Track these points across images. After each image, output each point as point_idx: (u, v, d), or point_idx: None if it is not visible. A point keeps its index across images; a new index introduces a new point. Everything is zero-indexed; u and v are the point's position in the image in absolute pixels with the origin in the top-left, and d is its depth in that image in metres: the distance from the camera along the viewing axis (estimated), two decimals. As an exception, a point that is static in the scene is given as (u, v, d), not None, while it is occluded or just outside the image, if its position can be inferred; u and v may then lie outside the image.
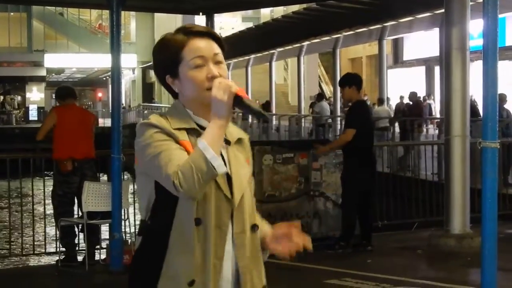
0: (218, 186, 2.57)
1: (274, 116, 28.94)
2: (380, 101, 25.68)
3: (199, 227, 2.52)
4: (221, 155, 2.55)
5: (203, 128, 2.56)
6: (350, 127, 8.81)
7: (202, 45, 2.62)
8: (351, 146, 8.73)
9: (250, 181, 2.74)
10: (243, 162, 2.72)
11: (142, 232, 2.65)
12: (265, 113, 2.56)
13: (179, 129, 2.56)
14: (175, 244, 2.53)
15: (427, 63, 36.55)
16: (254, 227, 2.68)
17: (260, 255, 2.72)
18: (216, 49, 2.64)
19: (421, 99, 28.38)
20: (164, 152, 2.47)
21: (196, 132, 2.58)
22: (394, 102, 29.60)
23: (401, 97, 28.53)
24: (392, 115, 24.59)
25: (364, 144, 8.85)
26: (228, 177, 2.62)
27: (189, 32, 2.65)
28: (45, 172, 9.49)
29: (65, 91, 9.18)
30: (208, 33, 2.66)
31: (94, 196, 8.36)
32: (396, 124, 22.01)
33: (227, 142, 2.65)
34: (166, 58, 2.65)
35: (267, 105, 33.03)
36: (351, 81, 9.11)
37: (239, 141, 2.74)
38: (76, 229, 8.82)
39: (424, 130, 23.38)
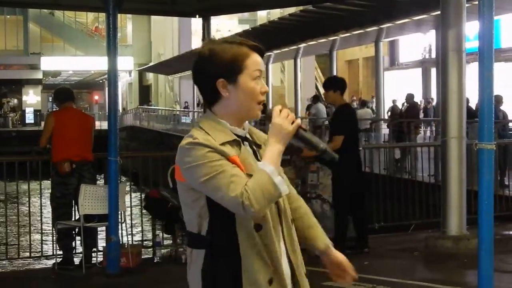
0: None
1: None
2: (362, 104, 26.15)
3: (260, 232, 2.67)
4: (258, 160, 2.73)
5: (240, 137, 2.73)
6: (338, 133, 8.69)
7: (260, 60, 2.78)
8: (338, 150, 8.58)
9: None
10: None
11: (200, 245, 2.72)
12: (331, 152, 2.75)
13: (223, 143, 2.66)
14: (246, 252, 2.65)
15: (424, 65, 36.60)
16: (292, 221, 2.86)
17: (298, 243, 2.88)
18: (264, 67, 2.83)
19: (426, 102, 28.56)
20: (222, 174, 2.58)
21: (236, 142, 2.70)
22: (391, 104, 29.62)
23: (394, 101, 28.64)
24: (375, 117, 25.15)
25: (352, 147, 8.77)
26: None
27: (249, 45, 2.77)
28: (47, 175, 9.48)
29: (63, 95, 9.15)
30: (263, 52, 2.81)
31: (91, 199, 8.36)
32: (384, 126, 22.40)
33: (259, 146, 2.81)
34: (229, 62, 2.71)
35: (263, 108, 32.97)
36: (337, 85, 9.04)
37: (266, 143, 2.84)
38: (73, 232, 8.82)
39: (422, 132, 23.45)
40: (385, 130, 23.28)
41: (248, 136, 2.81)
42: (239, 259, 2.64)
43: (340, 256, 2.99)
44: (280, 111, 2.68)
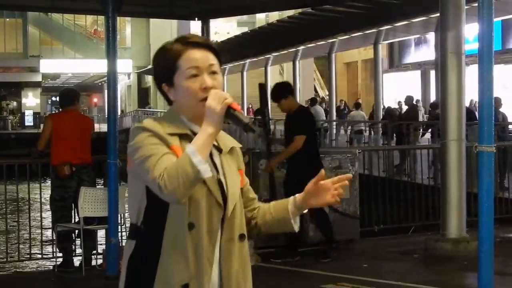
0: (210, 191, 2.62)
1: (270, 121, 28.87)
2: (356, 106, 26.31)
3: (192, 231, 2.57)
4: (214, 162, 2.66)
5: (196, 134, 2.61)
6: (299, 133, 8.52)
7: (198, 55, 2.67)
8: (298, 152, 8.52)
9: (241, 191, 2.79)
10: (235, 171, 2.78)
11: (135, 236, 2.68)
12: (254, 127, 2.60)
13: (172, 134, 2.61)
14: (168, 248, 2.57)
15: (423, 67, 36.62)
16: (242, 237, 2.72)
17: (248, 264, 2.76)
18: (212, 60, 2.69)
19: (433, 106, 28.58)
20: (153, 156, 2.53)
21: (188, 137, 2.63)
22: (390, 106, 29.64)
23: (399, 102, 28.70)
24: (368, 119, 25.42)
25: (311, 149, 8.65)
26: (221, 185, 2.67)
27: (187, 42, 2.70)
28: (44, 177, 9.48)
29: (63, 99, 9.14)
30: (205, 44, 2.71)
31: (91, 201, 8.36)
32: (366, 129, 22.60)
33: (220, 150, 2.72)
34: (163, 66, 2.70)
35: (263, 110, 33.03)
36: (285, 91, 8.84)
37: (232, 150, 2.80)
38: (72, 235, 8.82)
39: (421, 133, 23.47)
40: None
41: None
42: (160, 253, 2.57)
43: (305, 190, 2.80)
44: (215, 92, 2.59)
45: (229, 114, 2.57)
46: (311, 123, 8.97)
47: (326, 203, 2.80)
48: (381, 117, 24.51)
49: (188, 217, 2.56)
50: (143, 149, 2.55)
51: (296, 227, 2.85)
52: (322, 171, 2.80)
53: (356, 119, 25.02)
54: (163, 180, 2.45)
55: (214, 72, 2.68)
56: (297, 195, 2.84)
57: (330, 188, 2.76)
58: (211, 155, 2.66)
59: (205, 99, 2.58)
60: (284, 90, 8.86)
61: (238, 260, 2.70)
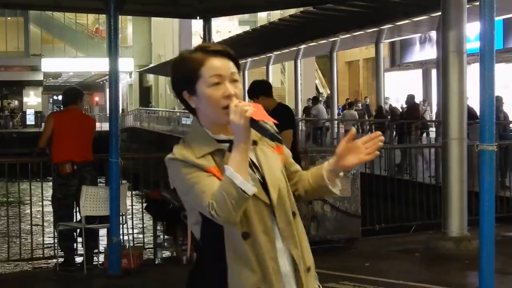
0: (256, 196, 2.63)
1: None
2: (350, 105, 26.46)
3: (248, 240, 2.62)
4: (251, 160, 2.67)
5: (224, 142, 2.68)
6: (286, 128, 8.02)
7: (220, 64, 2.69)
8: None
9: (283, 170, 2.80)
10: (272, 155, 2.79)
11: (196, 250, 2.83)
12: (279, 137, 2.63)
13: (204, 155, 2.64)
14: (232, 261, 2.63)
15: (424, 66, 36.59)
16: (294, 214, 2.76)
17: (305, 235, 2.80)
18: (233, 68, 2.73)
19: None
20: (196, 185, 2.58)
21: (220, 152, 2.67)
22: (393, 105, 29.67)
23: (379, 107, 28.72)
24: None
25: (292, 146, 8.20)
26: (263, 183, 2.70)
27: (208, 51, 2.72)
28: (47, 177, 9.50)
29: (65, 98, 9.16)
30: (226, 53, 2.74)
31: (92, 200, 8.37)
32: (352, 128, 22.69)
33: (254, 142, 2.73)
34: (184, 74, 2.72)
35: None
36: (262, 89, 8.37)
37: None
38: (74, 233, 8.83)
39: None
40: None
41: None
42: (225, 267, 2.63)
43: (336, 153, 2.78)
44: (235, 106, 2.59)
45: (253, 126, 2.58)
46: (293, 119, 8.70)
47: (360, 161, 2.76)
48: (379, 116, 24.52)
49: (240, 227, 2.61)
50: (183, 180, 2.62)
51: (336, 191, 2.84)
52: (353, 129, 2.82)
53: (346, 117, 25.47)
54: (213, 209, 2.51)
55: (235, 80, 2.71)
56: (330, 159, 2.83)
57: (360, 147, 2.75)
58: None
59: (227, 106, 2.60)
60: (261, 88, 8.47)
61: (300, 237, 2.74)
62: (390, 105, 29.54)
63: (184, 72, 2.72)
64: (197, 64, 2.68)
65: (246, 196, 2.51)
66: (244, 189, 2.49)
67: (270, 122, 2.64)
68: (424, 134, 21.11)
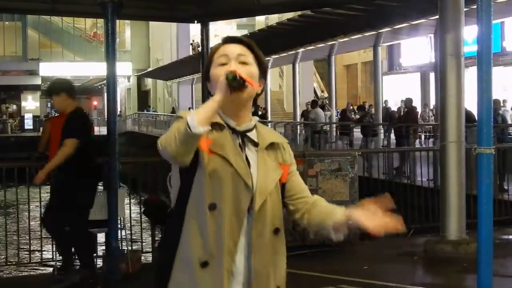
0: (237, 173, 2.63)
1: (269, 124, 28.94)
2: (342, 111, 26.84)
3: (214, 211, 2.60)
4: (247, 157, 2.69)
5: (230, 127, 2.70)
6: (69, 137, 7.56)
7: (229, 48, 2.76)
8: (70, 160, 7.53)
9: (284, 185, 2.81)
10: (273, 166, 2.78)
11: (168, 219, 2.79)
12: (242, 81, 2.64)
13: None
14: (188, 227, 2.62)
15: (422, 69, 36.63)
16: (276, 231, 2.75)
17: (281, 256, 2.80)
18: (242, 51, 2.76)
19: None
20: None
21: (220, 126, 2.68)
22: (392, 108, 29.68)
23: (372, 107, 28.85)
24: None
25: (85, 156, 7.69)
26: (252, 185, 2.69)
27: (224, 40, 2.82)
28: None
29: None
30: (240, 40, 2.81)
31: (90, 204, 8.33)
32: (382, 131, 22.60)
33: (255, 144, 2.75)
34: (206, 65, 2.82)
35: (264, 113, 33.17)
36: (62, 88, 7.85)
37: (272, 145, 2.81)
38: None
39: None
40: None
41: (240, 129, 2.75)
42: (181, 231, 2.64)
43: (358, 211, 2.75)
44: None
45: (231, 80, 2.60)
46: (85, 127, 7.93)
47: (372, 229, 2.72)
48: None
49: (210, 197, 2.60)
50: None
51: (336, 239, 2.82)
52: (387, 194, 2.79)
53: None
54: (160, 140, 2.56)
55: (243, 62, 2.74)
56: (345, 212, 2.78)
57: (376, 213, 2.73)
58: (244, 148, 2.71)
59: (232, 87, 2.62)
60: (61, 86, 7.92)
61: (269, 253, 2.72)
62: (389, 108, 29.52)
63: (206, 63, 2.82)
64: (212, 52, 2.79)
65: (189, 132, 2.45)
66: (190, 124, 2.45)
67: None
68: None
